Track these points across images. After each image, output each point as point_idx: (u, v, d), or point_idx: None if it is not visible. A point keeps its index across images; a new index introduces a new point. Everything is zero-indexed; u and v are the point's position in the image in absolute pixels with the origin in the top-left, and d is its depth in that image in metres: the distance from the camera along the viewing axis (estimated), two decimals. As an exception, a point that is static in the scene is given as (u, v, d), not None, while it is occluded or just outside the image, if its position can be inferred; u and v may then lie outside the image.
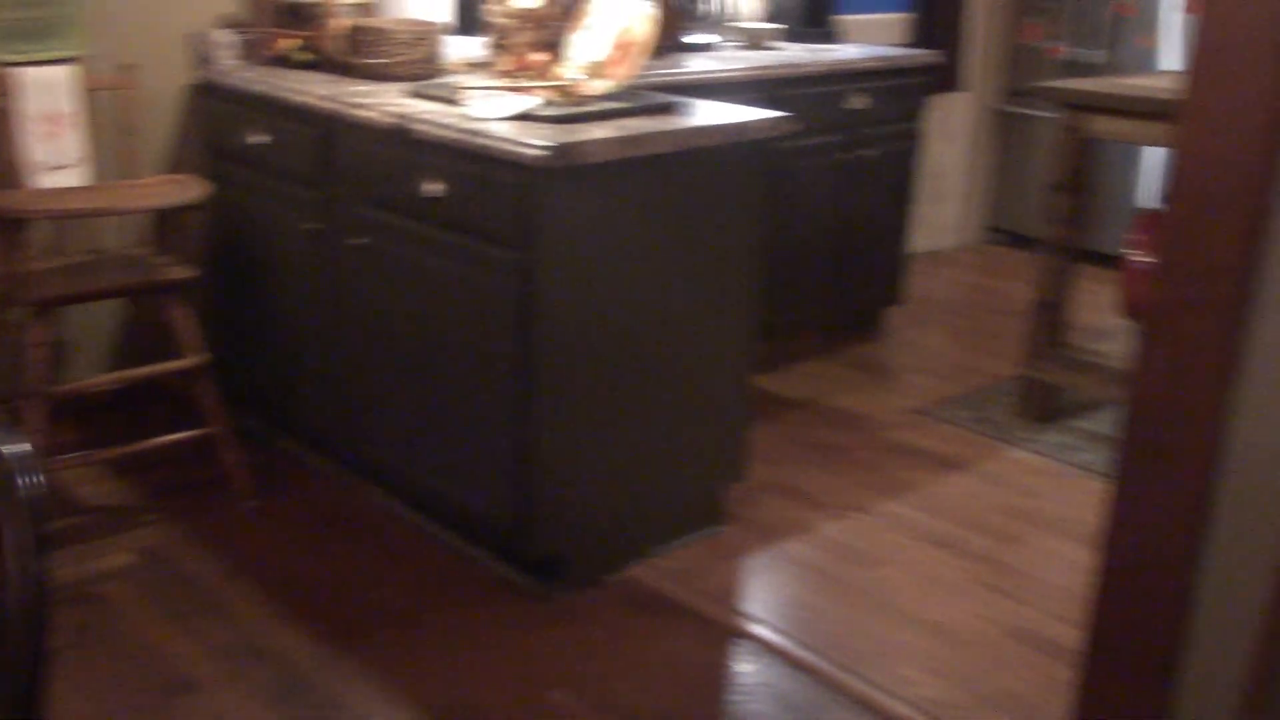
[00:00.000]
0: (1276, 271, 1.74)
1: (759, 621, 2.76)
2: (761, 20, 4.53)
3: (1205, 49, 1.78)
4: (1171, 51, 5.22)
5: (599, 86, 2.82)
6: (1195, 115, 1.78)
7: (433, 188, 2.70)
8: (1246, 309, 1.76)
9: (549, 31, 2.95)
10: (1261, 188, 1.73)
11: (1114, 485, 1.94)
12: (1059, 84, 3.86)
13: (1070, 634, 2.60)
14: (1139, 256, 3.42)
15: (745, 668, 2.61)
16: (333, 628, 2.66)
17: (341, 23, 3.33)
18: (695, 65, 3.76)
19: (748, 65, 3.84)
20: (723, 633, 2.72)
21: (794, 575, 2.97)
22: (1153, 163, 5.29)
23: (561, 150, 2.46)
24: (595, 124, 2.65)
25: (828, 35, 4.66)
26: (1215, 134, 1.77)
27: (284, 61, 3.40)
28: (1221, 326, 1.79)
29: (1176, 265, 1.84)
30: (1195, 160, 1.81)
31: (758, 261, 2.97)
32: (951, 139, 5.78)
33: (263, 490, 3.22)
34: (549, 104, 2.74)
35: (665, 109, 2.85)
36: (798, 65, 3.97)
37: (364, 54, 3.24)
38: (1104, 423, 3.86)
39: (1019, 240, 5.86)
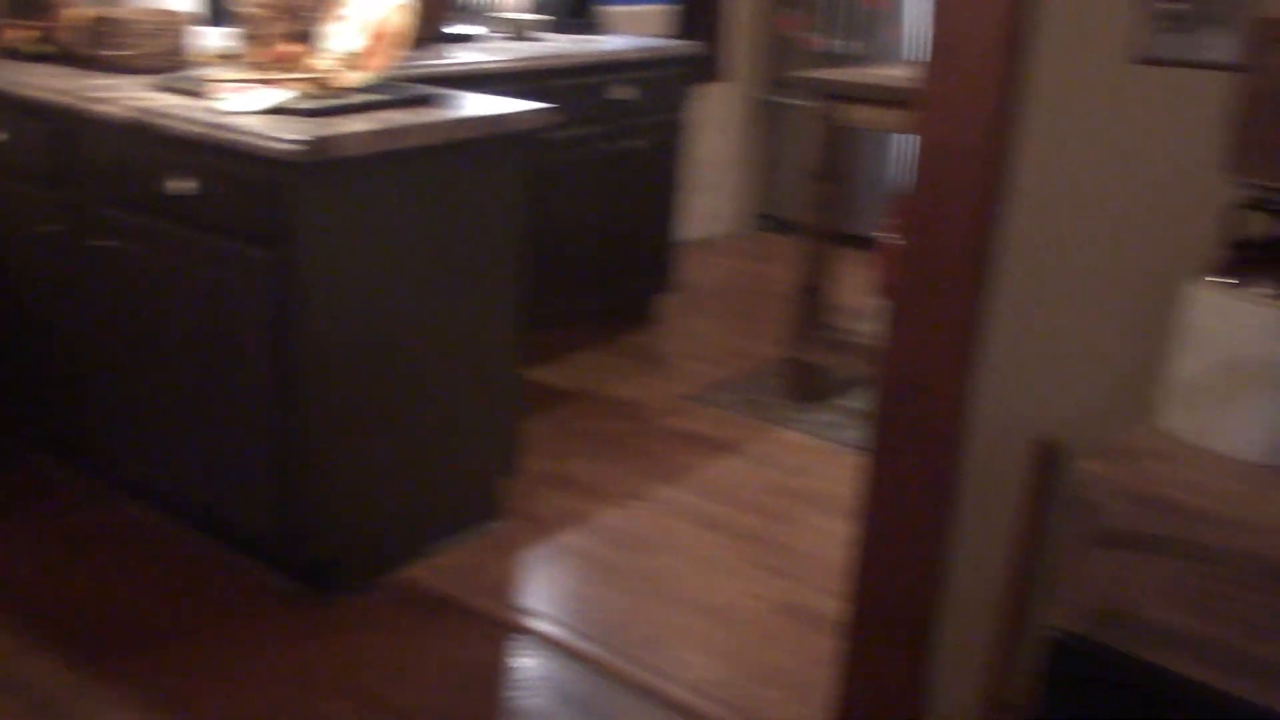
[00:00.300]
0: (1008, 253, 1.83)
1: (537, 615, 2.75)
2: (525, 11, 4.52)
3: (940, 41, 1.86)
4: (921, 42, 5.45)
5: (355, 78, 2.75)
6: (932, 104, 1.86)
7: (182, 186, 2.59)
8: (983, 288, 1.85)
9: (302, 22, 2.87)
10: (991, 173, 1.82)
11: (869, 461, 2.02)
12: (813, 74, 3.98)
13: (836, 607, 2.69)
14: (891, 239, 3.56)
15: (524, 662, 2.60)
16: (90, 651, 2.53)
17: (79, 13, 3.15)
18: (458, 57, 3.72)
19: (511, 56, 3.83)
20: (501, 629, 2.70)
21: (571, 566, 2.98)
22: (906, 149, 5.52)
23: (315, 144, 2.39)
24: (351, 117, 2.59)
25: (591, 26, 4.69)
26: (950, 121, 1.85)
27: (16, 54, 3.20)
28: (961, 306, 1.87)
29: (919, 247, 1.92)
30: (933, 147, 1.89)
31: (523, 253, 2.96)
32: (720, 129, 5.89)
33: (7, 509, 3.03)
34: (303, 97, 2.66)
35: (425, 101, 2.80)
36: (562, 56, 3.98)
37: (105, 46, 3.07)
38: (866, 400, 4.00)
39: (786, 226, 6.01)
